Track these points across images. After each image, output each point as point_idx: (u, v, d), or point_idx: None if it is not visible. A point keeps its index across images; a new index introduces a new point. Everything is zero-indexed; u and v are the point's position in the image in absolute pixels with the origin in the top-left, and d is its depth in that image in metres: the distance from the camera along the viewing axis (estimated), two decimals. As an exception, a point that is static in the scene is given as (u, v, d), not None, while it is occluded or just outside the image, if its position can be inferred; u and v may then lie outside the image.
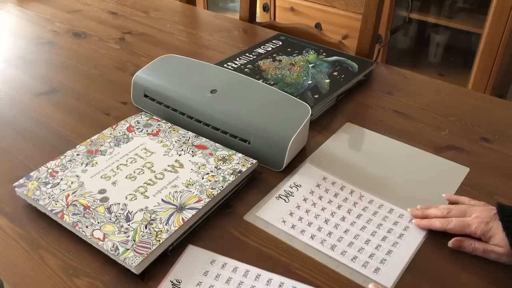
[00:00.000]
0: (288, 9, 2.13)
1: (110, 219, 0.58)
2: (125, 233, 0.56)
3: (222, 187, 0.63)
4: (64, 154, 0.68)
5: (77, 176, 0.64)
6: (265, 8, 2.19)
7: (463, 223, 0.58)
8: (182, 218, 0.58)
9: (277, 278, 0.54)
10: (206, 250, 0.57)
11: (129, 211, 0.59)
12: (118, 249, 0.54)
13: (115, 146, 0.70)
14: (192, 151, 0.69)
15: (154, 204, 0.60)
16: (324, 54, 0.97)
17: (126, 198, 0.61)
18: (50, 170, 0.65)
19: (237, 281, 0.53)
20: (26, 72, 0.99)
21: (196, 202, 0.60)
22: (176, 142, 0.71)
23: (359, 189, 0.67)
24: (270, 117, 0.72)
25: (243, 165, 0.66)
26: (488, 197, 0.65)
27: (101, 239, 0.55)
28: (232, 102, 0.75)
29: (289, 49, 1.00)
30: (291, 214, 0.63)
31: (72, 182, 0.63)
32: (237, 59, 0.96)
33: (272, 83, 0.87)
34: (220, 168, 0.66)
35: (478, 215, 0.58)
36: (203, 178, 0.64)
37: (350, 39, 1.95)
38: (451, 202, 0.64)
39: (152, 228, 0.56)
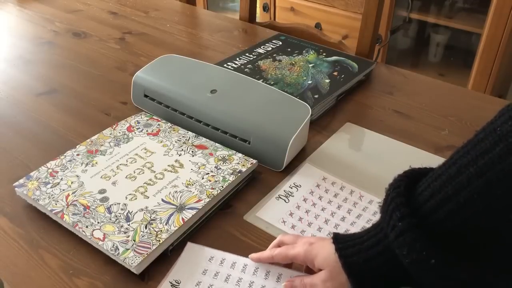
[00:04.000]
0: (288, 9, 2.13)
1: (110, 219, 0.58)
2: (125, 233, 0.56)
3: (222, 187, 0.63)
4: (64, 154, 0.68)
5: (77, 176, 0.64)
6: (265, 8, 2.19)
7: (288, 247, 0.52)
8: (182, 218, 0.58)
9: (275, 270, 0.53)
10: (204, 246, 0.57)
11: (129, 211, 0.59)
12: (118, 249, 0.54)
13: (115, 146, 0.70)
14: (192, 151, 0.69)
15: (154, 204, 0.60)
16: (324, 54, 0.97)
17: (126, 198, 0.61)
18: (50, 170, 0.65)
19: (236, 277, 0.53)
20: (26, 72, 0.99)
21: (196, 202, 0.60)
22: (176, 142, 0.71)
23: (359, 189, 0.67)
24: (270, 117, 0.72)
25: (243, 165, 0.66)
26: (488, 197, 0.65)
27: (101, 239, 0.55)
28: (232, 102, 0.75)
29: (289, 49, 1.00)
30: (291, 214, 0.63)
31: (72, 182, 0.63)
32: (237, 59, 0.96)
33: (272, 83, 0.87)
34: (220, 168, 0.66)
35: (307, 240, 0.52)
36: (203, 178, 0.64)
37: (350, 39, 1.95)
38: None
39: (152, 228, 0.56)
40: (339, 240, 0.48)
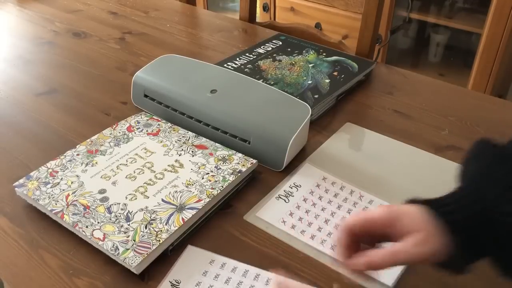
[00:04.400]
0: (288, 9, 2.13)
1: (110, 219, 0.58)
2: (125, 233, 0.56)
3: (222, 187, 0.63)
4: (64, 154, 0.68)
5: (77, 176, 0.64)
6: (265, 8, 2.19)
7: (364, 212, 0.46)
8: (182, 218, 0.58)
9: (276, 278, 0.53)
10: (205, 250, 0.57)
11: (129, 211, 0.59)
12: (118, 249, 0.54)
13: (115, 146, 0.70)
14: (192, 151, 0.69)
15: (154, 204, 0.60)
16: (324, 54, 0.97)
17: (126, 198, 0.61)
18: (50, 170, 0.65)
19: (236, 281, 0.53)
20: (26, 72, 0.99)
21: (196, 202, 0.60)
22: (176, 142, 0.71)
23: (359, 189, 0.67)
24: (270, 117, 0.72)
25: (243, 165, 0.66)
26: (488, 197, 0.65)
27: (101, 239, 0.55)
28: (232, 102, 0.75)
29: (289, 49, 1.00)
30: (291, 214, 0.63)
31: (72, 182, 0.63)
32: (237, 59, 0.96)
33: (272, 83, 0.87)
34: (220, 168, 0.66)
35: (384, 205, 0.46)
36: (203, 178, 0.64)
37: (350, 39, 1.95)
38: None
39: (152, 228, 0.56)
40: (427, 201, 0.43)
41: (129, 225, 0.57)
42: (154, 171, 0.65)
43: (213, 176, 0.64)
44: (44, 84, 0.95)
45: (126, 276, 0.54)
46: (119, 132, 0.73)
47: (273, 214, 0.63)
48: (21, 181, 0.64)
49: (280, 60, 0.95)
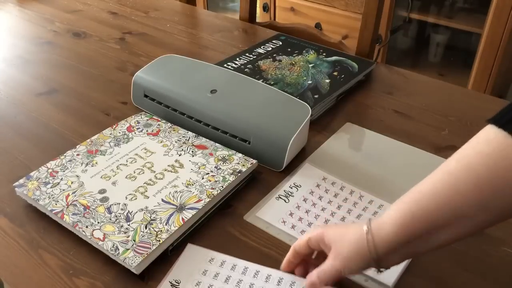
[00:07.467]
0: (288, 9, 2.13)
1: (110, 219, 0.58)
2: (125, 233, 0.56)
3: (222, 187, 0.63)
4: (64, 154, 0.68)
5: (77, 176, 0.64)
6: (265, 8, 2.20)
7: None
8: (182, 218, 0.58)
9: (276, 274, 0.54)
10: (205, 248, 0.57)
11: (129, 211, 0.59)
12: (118, 249, 0.54)
13: (115, 146, 0.70)
14: (192, 151, 0.69)
15: (154, 204, 0.60)
16: (324, 54, 0.97)
17: (126, 198, 0.61)
18: (50, 170, 0.65)
19: (236, 279, 0.53)
20: (26, 72, 0.99)
21: (196, 202, 0.60)
22: (176, 142, 0.71)
23: (359, 189, 0.67)
24: (270, 117, 0.72)
25: (243, 165, 0.66)
26: (488, 197, 0.65)
27: (101, 239, 0.55)
28: (232, 102, 0.75)
29: (289, 49, 1.00)
30: (291, 214, 0.63)
31: (72, 182, 0.63)
32: (237, 59, 0.96)
33: (272, 83, 0.87)
34: (220, 168, 0.66)
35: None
36: (203, 178, 0.64)
37: (350, 39, 1.95)
38: None
39: (152, 228, 0.56)
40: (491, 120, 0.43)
41: (129, 225, 0.57)
42: (154, 171, 0.65)
43: (213, 176, 0.64)
44: (44, 84, 0.95)
45: (126, 276, 0.54)
46: (119, 132, 0.73)
47: (273, 214, 0.63)
48: (21, 181, 0.64)
49: (280, 60, 0.95)
